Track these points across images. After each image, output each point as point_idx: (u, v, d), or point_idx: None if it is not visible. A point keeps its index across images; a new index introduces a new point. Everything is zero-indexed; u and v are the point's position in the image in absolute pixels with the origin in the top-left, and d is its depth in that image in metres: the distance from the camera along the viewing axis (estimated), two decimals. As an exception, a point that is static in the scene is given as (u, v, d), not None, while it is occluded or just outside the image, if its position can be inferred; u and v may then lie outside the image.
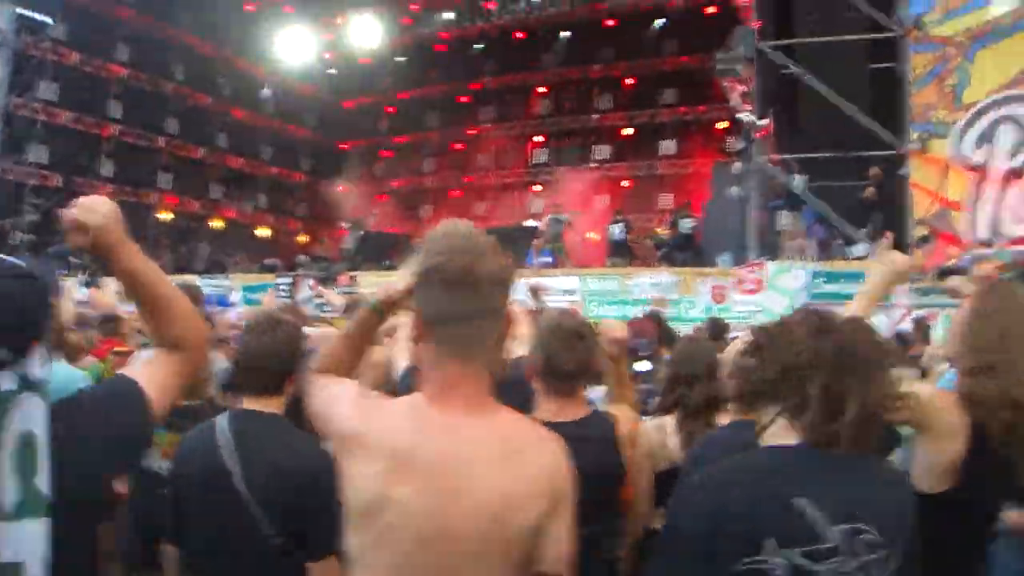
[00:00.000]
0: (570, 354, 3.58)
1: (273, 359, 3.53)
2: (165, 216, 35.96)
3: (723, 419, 4.53)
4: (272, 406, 3.52)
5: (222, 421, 3.46)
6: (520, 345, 4.47)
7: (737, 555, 2.17)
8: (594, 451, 3.44)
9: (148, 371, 2.45)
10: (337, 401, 2.39)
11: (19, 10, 30.37)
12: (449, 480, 2.13)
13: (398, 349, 4.53)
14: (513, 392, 3.95)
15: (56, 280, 2.80)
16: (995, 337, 3.12)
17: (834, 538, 2.17)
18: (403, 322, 4.85)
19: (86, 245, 2.33)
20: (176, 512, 3.44)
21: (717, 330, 9.42)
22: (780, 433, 2.43)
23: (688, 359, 4.84)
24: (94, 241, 2.32)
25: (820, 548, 2.16)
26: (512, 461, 2.20)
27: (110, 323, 8.26)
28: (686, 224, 22.95)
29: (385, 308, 2.57)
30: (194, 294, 6.45)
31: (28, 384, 2.02)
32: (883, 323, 12.56)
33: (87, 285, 25.00)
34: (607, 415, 3.86)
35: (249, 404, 3.55)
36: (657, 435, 4.60)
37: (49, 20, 31.47)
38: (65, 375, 5.65)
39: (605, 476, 3.62)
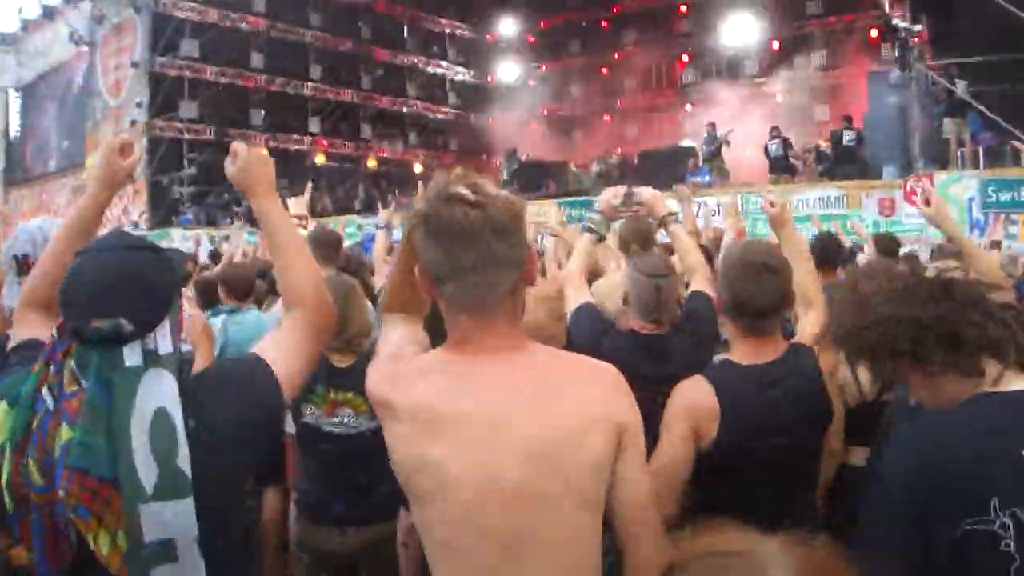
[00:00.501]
0: (760, 289, 3.27)
1: None
2: (319, 160, 37.10)
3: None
4: None
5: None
6: (694, 276, 4.46)
7: (958, 516, 2.00)
8: (796, 394, 3.30)
9: (275, 342, 2.44)
10: (377, 356, 2.33)
11: None
12: (481, 430, 2.03)
13: (570, 282, 4.37)
14: (692, 327, 4.17)
15: (183, 260, 3.05)
16: None
17: None
18: (574, 248, 4.96)
19: (232, 176, 2.58)
20: None
21: (889, 247, 9.01)
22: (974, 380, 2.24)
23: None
24: (236, 176, 2.57)
25: None
26: (550, 398, 2.08)
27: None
28: (848, 136, 22.56)
29: None
30: (328, 240, 6.65)
31: (155, 359, 2.08)
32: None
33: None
34: (808, 350, 3.53)
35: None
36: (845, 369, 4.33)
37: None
38: (255, 321, 6.30)
39: (811, 422, 3.39)
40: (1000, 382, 2.20)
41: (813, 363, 3.44)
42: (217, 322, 6.11)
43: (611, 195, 4.64)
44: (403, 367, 2.21)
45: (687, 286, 4.54)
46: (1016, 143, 17.44)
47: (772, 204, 4.17)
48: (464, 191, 2.05)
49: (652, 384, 3.33)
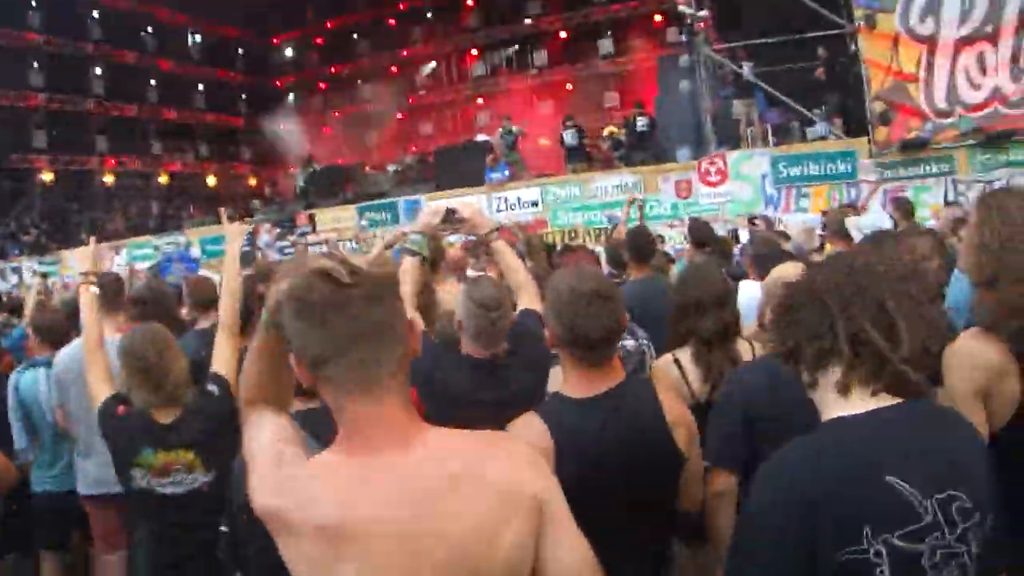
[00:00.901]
0: (594, 319, 3.08)
1: None
2: (108, 179, 35.57)
3: (742, 348, 4.51)
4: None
5: None
6: (521, 294, 4.33)
7: (836, 545, 1.98)
8: (633, 425, 3.13)
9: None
10: (252, 461, 2.04)
11: None
12: (390, 544, 1.80)
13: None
14: (525, 351, 4.02)
15: None
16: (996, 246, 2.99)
17: (931, 512, 2.00)
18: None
19: None
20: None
21: (702, 235, 9.24)
22: (834, 396, 2.18)
23: (695, 286, 4.57)
24: None
25: (918, 527, 1.99)
26: (458, 493, 1.84)
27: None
28: (641, 122, 22.90)
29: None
30: (106, 288, 5.91)
31: None
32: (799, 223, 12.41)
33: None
34: (644, 380, 3.47)
35: (303, 404, 3.26)
36: (674, 371, 4.39)
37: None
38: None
39: (651, 451, 3.17)
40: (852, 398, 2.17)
41: (650, 391, 3.28)
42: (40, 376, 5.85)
43: (430, 214, 4.44)
44: (291, 472, 1.93)
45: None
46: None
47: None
48: (332, 265, 1.82)
49: (493, 408, 3.46)
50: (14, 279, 26.49)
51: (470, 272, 6.38)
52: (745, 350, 4.50)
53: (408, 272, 4.20)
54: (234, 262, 5.13)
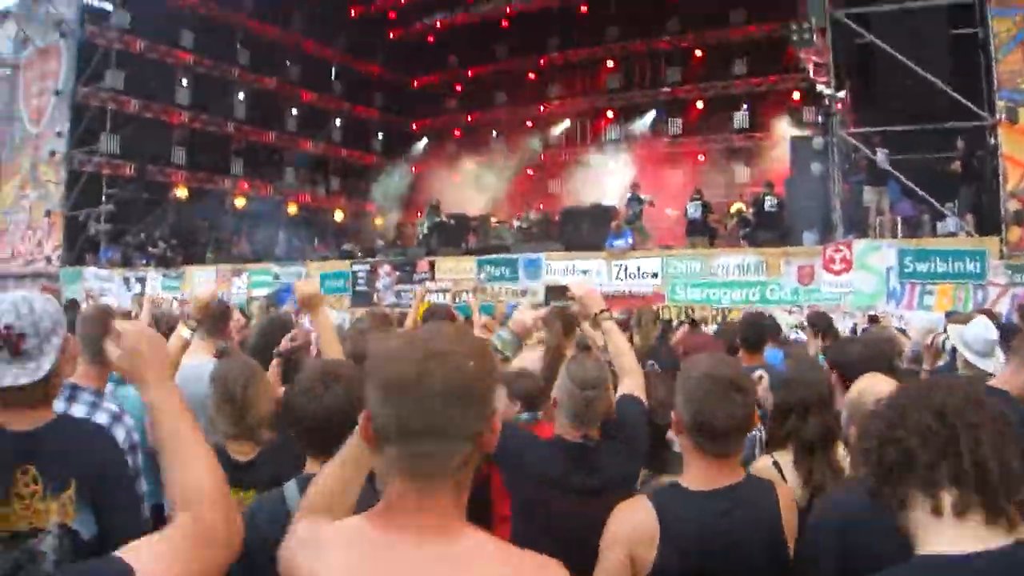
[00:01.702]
0: (725, 409, 3.00)
1: (337, 418, 3.16)
2: (239, 203, 36.45)
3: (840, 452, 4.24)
4: None
5: (292, 489, 3.19)
6: (624, 379, 4.21)
7: None
8: (749, 528, 3.05)
9: (153, 550, 1.89)
10: (295, 523, 2.10)
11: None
12: None
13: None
14: (622, 436, 3.93)
15: None
16: None
17: None
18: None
19: (118, 363, 2.16)
20: None
21: (823, 326, 9.03)
22: (935, 526, 1.98)
23: (802, 385, 4.33)
24: (122, 362, 2.15)
25: None
26: None
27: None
28: (770, 202, 22.57)
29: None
30: (214, 312, 5.98)
31: None
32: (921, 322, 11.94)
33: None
34: (768, 483, 3.33)
35: (314, 467, 3.23)
36: (773, 473, 4.06)
37: (110, 7, 32.29)
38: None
39: (763, 557, 3.09)
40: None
41: (773, 497, 3.21)
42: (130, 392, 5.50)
43: (528, 315, 4.38)
44: (323, 531, 1.98)
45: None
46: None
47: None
48: (414, 344, 1.82)
49: (580, 495, 3.51)
50: (137, 288, 27.23)
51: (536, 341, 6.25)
52: (842, 456, 4.21)
53: None
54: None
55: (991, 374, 5.49)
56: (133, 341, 2.15)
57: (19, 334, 2.75)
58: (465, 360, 1.81)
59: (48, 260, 30.88)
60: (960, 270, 16.67)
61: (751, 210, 23.95)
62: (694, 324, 10.70)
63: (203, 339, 5.61)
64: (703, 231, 23.42)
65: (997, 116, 17.01)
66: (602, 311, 4.39)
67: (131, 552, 1.86)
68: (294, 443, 3.83)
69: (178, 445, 2.07)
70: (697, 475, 3.10)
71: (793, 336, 10.37)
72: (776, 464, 4.14)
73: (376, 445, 1.87)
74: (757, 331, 7.15)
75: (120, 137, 32.06)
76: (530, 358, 5.23)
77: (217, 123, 35.96)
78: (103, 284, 27.44)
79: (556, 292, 5.08)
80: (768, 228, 22.14)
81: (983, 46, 18.04)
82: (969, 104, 17.17)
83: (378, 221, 40.20)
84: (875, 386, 3.64)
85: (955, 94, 17.11)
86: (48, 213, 31.44)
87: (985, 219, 17.49)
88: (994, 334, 6.06)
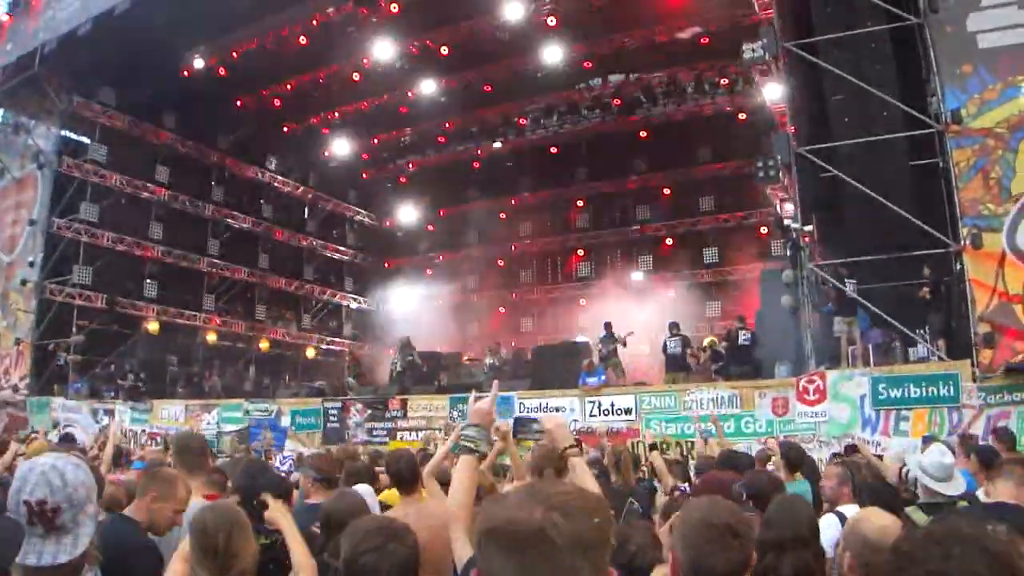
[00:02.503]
0: (723, 555, 3.01)
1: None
2: (211, 338, 36.46)
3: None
4: None
5: None
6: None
7: None
8: None
9: None
10: None
11: (61, 132, 31.64)
12: None
13: (457, 523, 3.81)
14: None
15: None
16: None
17: None
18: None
19: None
20: None
21: (796, 458, 8.83)
22: None
23: (781, 523, 4.26)
24: None
25: None
26: None
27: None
28: (743, 336, 22.72)
29: None
30: (191, 446, 6.09)
31: None
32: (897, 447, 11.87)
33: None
34: None
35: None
36: None
37: (87, 140, 32.48)
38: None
39: None
40: None
41: None
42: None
43: (481, 403, 4.19)
44: None
45: None
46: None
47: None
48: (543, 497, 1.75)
49: None
50: (105, 420, 26.87)
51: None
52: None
53: (462, 472, 3.93)
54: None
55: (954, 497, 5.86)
56: None
57: (53, 508, 2.62)
58: (591, 508, 1.79)
59: (15, 389, 30.47)
60: (934, 394, 16.56)
61: (724, 344, 23.98)
62: (653, 449, 10.61)
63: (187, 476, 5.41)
64: (682, 367, 23.34)
65: (962, 242, 17.16)
66: (570, 447, 4.32)
67: None
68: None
69: None
70: None
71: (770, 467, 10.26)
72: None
73: None
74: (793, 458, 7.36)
75: (92, 269, 32.02)
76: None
77: (189, 259, 36.06)
78: (71, 415, 27.13)
79: (524, 425, 4.94)
80: (741, 362, 22.19)
81: (944, 175, 18.32)
82: (934, 231, 17.34)
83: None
84: (877, 520, 3.71)
85: (919, 222, 17.30)
86: (17, 341, 31.13)
87: (956, 343, 17.53)
88: (950, 459, 6.23)
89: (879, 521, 3.55)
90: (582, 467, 4.30)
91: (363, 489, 6.32)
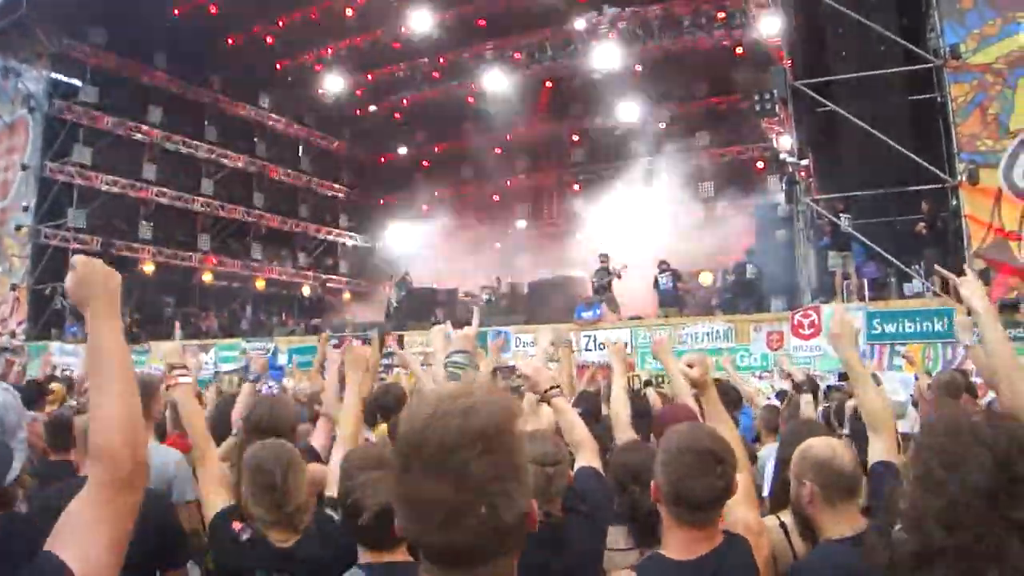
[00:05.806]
0: (705, 480, 3.00)
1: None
2: (207, 278, 36.50)
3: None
4: (404, 554, 3.13)
5: None
6: (581, 451, 4.22)
7: None
8: None
9: (73, 528, 1.88)
10: None
11: (51, 74, 31.42)
12: None
13: None
14: (584, 509, 3.85)
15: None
16: None
17: None
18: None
19: (69, 290, 2.19)
20: None
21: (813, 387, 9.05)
22: None
23: (789, 444, 4.24)
24: (73, 289, 2.18)
25: None
26: None
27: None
28: (751, 270, 22.65)
29: None
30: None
31: None
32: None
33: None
34: (743, 542, 3.25)
35: (375, 557, 3.20)
36: (779, 533, 3.91)
37: (78, 83, 32.29)
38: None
39: None
40: None
41: (749, 557, 3.23)
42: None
43: (466, 329, 4.49)
44: None
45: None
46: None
47: (691, 365, 3.99)
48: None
49: (556, 574, 3.38)
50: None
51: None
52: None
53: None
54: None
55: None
56: (86, 271, 2.18)
57: None
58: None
59: (13, 334, 30.47)
60: (928, 330, 16.63)
61: (732, 277, 23.95)
62: (648, 385, 10.62)
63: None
64: (674, 301, 23.35)
65: (958, 178, 17.16)
66: (551, 388, 4.37)
67: (58, 540, 1.87)
68: (333, 527, 3.79)
69: (103, 381, 2.05)
70: (678, 545, 3.10)
71: (765, 402, 10.28)
72: (783, 525, 3.98)
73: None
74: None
75: (86, 212, 31.97)
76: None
77: (184, 199, 35.94)
78: (68, 358, 27.15)
79: (504, 372, 4.98)
80: (746, 296, 22.20)
81: (942, 111, 18.26)
82: (930, 167, 17.33)
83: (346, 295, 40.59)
84: (818, 444, 3.68)
85: (916, 158, 17.27)
86: (13, 287, 31.15)
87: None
88: (903, 396, 6.39)
89: (827, 443, 3.58)
90: (565, 407, 4.41)
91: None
